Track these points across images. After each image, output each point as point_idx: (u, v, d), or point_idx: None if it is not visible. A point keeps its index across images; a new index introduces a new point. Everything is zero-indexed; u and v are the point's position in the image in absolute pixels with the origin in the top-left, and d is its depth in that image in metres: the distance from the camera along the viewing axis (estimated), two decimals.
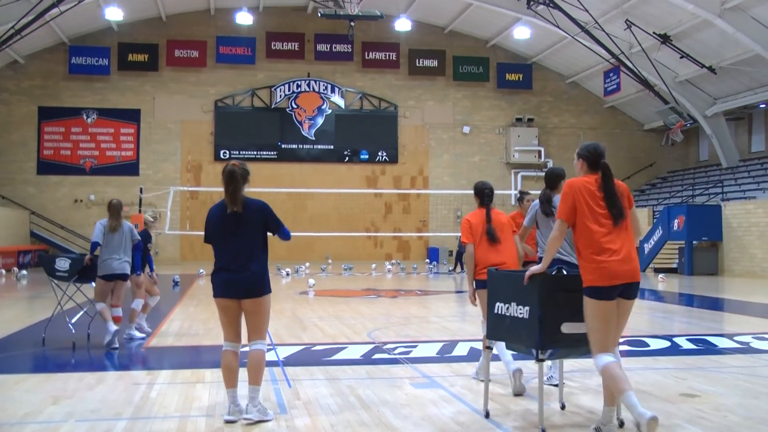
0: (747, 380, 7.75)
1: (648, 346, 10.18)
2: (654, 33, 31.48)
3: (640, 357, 9.36)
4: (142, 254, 11.08)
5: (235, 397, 6.24)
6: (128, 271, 10.46)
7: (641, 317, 13.91)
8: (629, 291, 5.64)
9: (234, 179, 6.25)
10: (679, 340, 10.44)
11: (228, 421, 6.11)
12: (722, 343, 10.50)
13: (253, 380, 6.24)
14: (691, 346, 10.11)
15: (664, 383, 7.65)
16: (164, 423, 6.18)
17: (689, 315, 13.46)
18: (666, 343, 10.32)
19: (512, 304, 5.90)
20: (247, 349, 6.37)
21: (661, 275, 25.40)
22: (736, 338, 10.49)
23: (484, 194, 7.58)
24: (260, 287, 6.27)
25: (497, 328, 6.12)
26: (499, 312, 6.07)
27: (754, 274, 26.41)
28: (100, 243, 10.25)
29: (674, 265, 29.30)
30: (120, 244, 10.32)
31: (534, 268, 5.82)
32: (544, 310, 5.59)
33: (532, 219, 7.54)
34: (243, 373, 6.31)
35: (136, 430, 6.01)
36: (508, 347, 6.40)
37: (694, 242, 28.02)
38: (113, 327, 10.04)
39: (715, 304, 16.33)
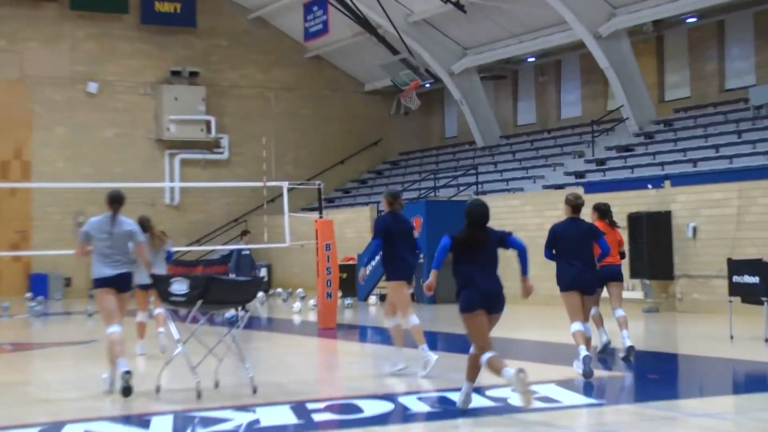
0: None
1: (362, 411, 9.24)
2: None
3: (353, 428, 8.55)
4: None
5: None
6: None
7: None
8: None
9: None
10: (406, 401, 9.67)
11: None
12: (477, 402, 9.83)
13: None
14: (425, 408, 9.44)
15: None
16: None
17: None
18: (389, 406, 9.49)
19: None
20: None
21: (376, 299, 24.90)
22: (487, 393, 10.02)
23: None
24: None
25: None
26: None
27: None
28: None
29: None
30: None
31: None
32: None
33: None
34: None
35: None
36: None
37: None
38: None
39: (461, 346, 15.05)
